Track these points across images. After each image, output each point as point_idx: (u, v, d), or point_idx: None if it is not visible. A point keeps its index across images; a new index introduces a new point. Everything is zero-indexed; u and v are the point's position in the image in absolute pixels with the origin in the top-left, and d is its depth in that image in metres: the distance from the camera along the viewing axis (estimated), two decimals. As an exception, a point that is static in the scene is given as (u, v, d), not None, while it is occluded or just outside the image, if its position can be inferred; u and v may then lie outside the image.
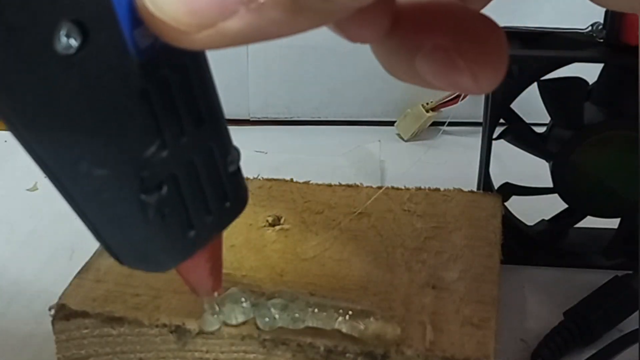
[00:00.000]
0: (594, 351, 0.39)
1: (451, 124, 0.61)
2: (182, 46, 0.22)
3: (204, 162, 0.27)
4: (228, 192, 0.28)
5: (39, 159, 0.25)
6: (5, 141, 0.61)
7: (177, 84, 0.25)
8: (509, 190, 0.46)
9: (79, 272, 0.37)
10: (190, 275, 0.30)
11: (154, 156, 0.24)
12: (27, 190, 0.56)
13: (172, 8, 0.21)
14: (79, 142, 0.23)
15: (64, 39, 0.21)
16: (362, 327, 0.33)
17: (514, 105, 0.45)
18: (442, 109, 0.62)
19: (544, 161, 0.45)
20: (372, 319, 0.33)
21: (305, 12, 0.20)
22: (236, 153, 0.28)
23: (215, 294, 0.31)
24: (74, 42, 0.21)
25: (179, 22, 0.21)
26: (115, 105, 0.23)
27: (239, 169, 0.29)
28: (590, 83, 0.43)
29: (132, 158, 0.24)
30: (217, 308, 0.34)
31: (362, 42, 0.22)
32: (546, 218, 0.47)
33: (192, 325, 0.34)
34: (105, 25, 0.22)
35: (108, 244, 0.27)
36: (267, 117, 0.67)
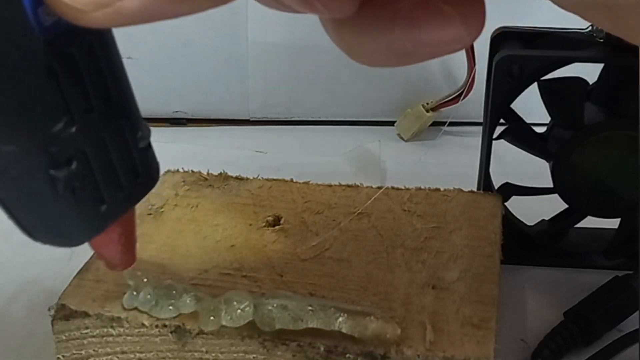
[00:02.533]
0: (594, 351, 0.39)
1: (451, 124, 0.61)
2: (82, 24, 0.22)
3: (113, 138, 0.27)
4: (139, 168, 0.29)
5: None
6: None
7: (83, 61, 0.25)
8: (509, 190, 0.46)
9: (79, 272, 0.37)
10: (103, 249, 0.30)
11: (62, 132, 0.25)
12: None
13: None
14: None
15: None
16: (362, 327, 0.33)
17: (514, 105, 0.45)
18: (442, 109, 0.62)
19: (544, 161, 0.45)
20: (372, 319, 0.33)
21: None
22: (146, 130, 0.29)
23: (130, 268, 0.31)
24: None
25: (76, 1, 0.21)
26: (21, 82, 0.23)
27: (149, 145, 0.29)
28: (591, 83, 0.43)
29: (39, 134, 0.24)
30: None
31: (335, 15, 0.21)
32: (546, 218, 0.47)
33: (191, 325, 0.34)
34: (7, 2, 0.22)
35: (19, 220, 0.27)
36: (267, 117, 0.67)
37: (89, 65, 0.25)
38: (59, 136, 0.25)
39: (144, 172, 0.29)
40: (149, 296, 0.34)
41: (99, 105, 0.26)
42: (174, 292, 0.34)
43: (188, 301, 0.34)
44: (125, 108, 0.28)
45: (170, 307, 0.34)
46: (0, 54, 0.22)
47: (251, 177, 0.46)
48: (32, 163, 0.25)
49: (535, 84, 0.43)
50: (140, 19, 0.21)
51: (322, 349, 0.33)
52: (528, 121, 0.45)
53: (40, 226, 0.27)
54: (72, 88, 0.25)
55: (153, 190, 0.45)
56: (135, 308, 0.34)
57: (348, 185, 0.45)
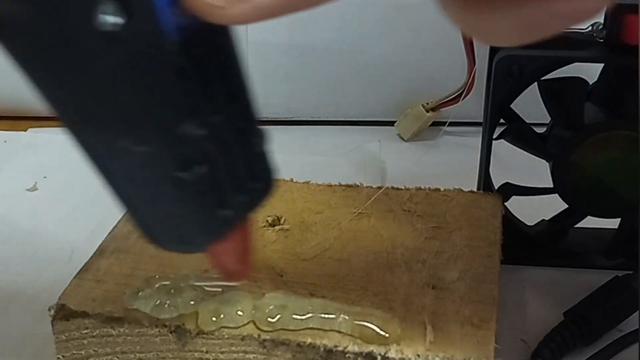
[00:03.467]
0: (594, 351, 0.39)
1: (451, 124, 0.61)
2: (219, 21, 0.22)
3: (236, 141, 0.27)
4: (258, 172, 0.28)
5: (79, 137, 0.25)
6: (5, 141, 0.61)
7: (211, 62, 0.25)
8: (509, 190, 0.46)
9: (79, 272, 0.37)
10: (222, 257, 0.30)
11: (190, 134, 0.25)
12: (27, 190, 0.55)
13: None
14: (120, 119, 0.24)
15: (104, 16, 0.21)
16: (362, 327, 0.33)
17: (514, 105, 0.45)
18: (442, 109, 0.62)
19: (544, 161, 0.45)
20: (372, 319, 0.33)
21: None
22: (264, 133, 0.28)
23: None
24: (114, 20, 0.22)
25: None
26: (154, 83, 0.23)
27: (267, 150, 0.29)
28: (591, 83, 0.43)
29: (169, 135, 0.24)
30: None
31: None
32: (546, 218, 0.47)
33: (191, 325, 0.34)
34: (144, 4, 0.22)
35: (145, 225, 0.27)
36: (266, 117, 0.67)
37: (216, 66, 0.25)
38: (188, 138, 0.25)
39: (262, 176, 0.29)
40: (149, 296, 0.34)
41: (224, 107, 0.26)
42: (174, 292, 0.34)
43: (188, 301, 0.34)
44: (247, 110, 0.27)
45: (171, 307, 0.34)
46: (134, 55, 0.22)
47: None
48: (161, 164, 0.25)
49: (535, 84, 0.43)
50: (276, 12, 0.21)
51: (322, 349, 0.33)
52: (528, 121, 0.45)
53: (164, 231, 0.27)
54: (201, 89, 0.25)
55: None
56: (136, 308, 0.34)
57: (348, 185, 0.45)
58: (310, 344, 0.33)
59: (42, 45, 0.22)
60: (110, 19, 0.22)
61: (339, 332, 0.33)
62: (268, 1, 0.21)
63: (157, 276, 0.35)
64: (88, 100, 0.23)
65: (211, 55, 0.25)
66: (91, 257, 0.38)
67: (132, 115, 0.24)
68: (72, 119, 0.25)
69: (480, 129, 0.46)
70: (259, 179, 0.29)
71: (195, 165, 0.25)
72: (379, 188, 0.45)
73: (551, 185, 0.45)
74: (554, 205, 0.46)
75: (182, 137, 0.25)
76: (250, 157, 0.28)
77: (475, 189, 0.45)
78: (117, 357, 0.35)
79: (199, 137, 0.25)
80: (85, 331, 0.35)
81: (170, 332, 0.34)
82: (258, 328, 0.33)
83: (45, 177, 0.56)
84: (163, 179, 0.25)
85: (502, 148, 0.46)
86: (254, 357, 0.34)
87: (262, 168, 0.29)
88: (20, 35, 0.22)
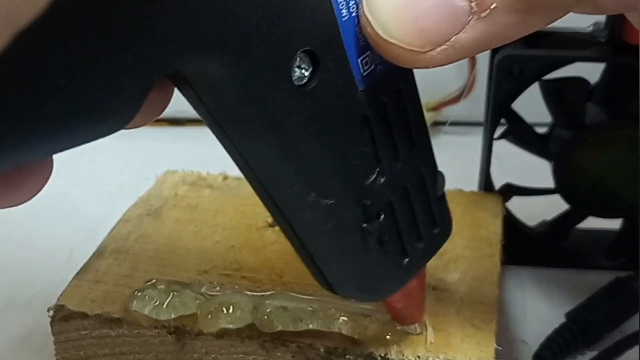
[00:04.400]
0: (595, 352, 0.38)
1: (451, 124, 0.61)
2: (416, 66, 0.21)
3: (416, 188, 0.27)
4: (436, 218, 0.28)
5: (266, 192, 0.24)
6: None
7: (393, 109, 0.25)
8: (510, 190, 0.46)
9: (78, 273, 0.37)
10: (397, 303, 0.30)
11: (374, 184, 0.24)
12: (27, 190, 0.55)
13: (403, 31, 0.20)
14: (309, 172, 0.23)
15: (298, 70, 0.21)
16: (362, 328, 0.33)
17: (515, 105, 0.44)
18: (442, 109, 0.62)
19: (545, 161, 0.45)
20: (372, 319, 0.33)
21: (538, 10, 0.19)
22: (441, 178, 0.28)
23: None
24: (305, 72, 0.21)
25: (411, 43, 0.20)
26: (341, 134, 0.23)
27: (444, 194, 0.28)
28: (592, 83, 0.43)
29: (355, 186, 0.24)
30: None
31: None
32: (547, 219, 0.47)
33: (191, 326, 0.34)
34: (334, 55, 0.22)
35: (324, 274, 0.26)
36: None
37: (397, 112, 0.25)
38: (372, 188, 0.24)
39: (440, 222, 0.28)
40: (148, 297, 0.34)
41: (404, 153, 0.26)
42: (173, 293, 0.34)
43: (187, 302, 0.34)
44: (425, 154, 0.27)
45: (170, 308, 0.34)
46: (324, 106, 0.22)
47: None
48: (347, 216, 0.24)
49: (536, 83, 0.43)
50: (478, 50, 0.21)
51: (322, 350, 0.32)
52: (529, 121, 0.45)
53: (347, 280, 0.27)
54: (383, 137, 0.24)
55: (152, 190, 0.46)
56: (135, 309, 0.34)
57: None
58: (310, 345, 0.33)
59: (235, 104, 0.21)
60: (303, 72, 0.21)
61: (339, 332, 0.33)
62: (469, 40, 0.20)
63: (154, 280, 0.35)
64: (278, 156, 0.23)
65: (394, 101, 0.25)
66: (90, 258, 0.38)
67: (320, 168, 0.23)
68: (261, 176, 0.24)
69: (481, 129, 0.46)
70: (436, 225, 0.28)
71: (378, 216, 0.25)
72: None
73: (552, 186, 0.45)
74: (555, 205, 0.46)
75: (366, 188, 0.24)
76: (428, 203, 0.28)
77: (475, 189, 0.45)
78: (116, 358, 0.35)
79: (380, 187, 0.25)
80: (84, 332, 0.35)
81: (170, 333, 0.34)
82: (258, 329, 0.33)
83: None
84: (348, 231, 0.25)
85: (503, 148, 0.46)
86: (253, 358, 0.34)
87: (440, 213, 0.28)
88: (217, 94, 0.21)
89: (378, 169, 0.25)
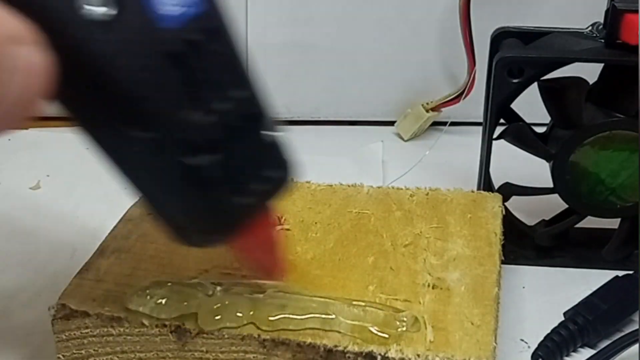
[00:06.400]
0: (594, 351, 0.39)
1: (451, 124, 0.61)
2: None
3: (246, 128, 0.27)
4: (274, 161, 0.29)
5: (89, 130, 0.26)
6: (9, 139, 0.61)
7: (213, 49, 0.26)
8: (509, 190, 0.46)
9: (79, 272, 0.37)
10: (249, 253, 0.30)
11: (193, 120, 0.25)
12: (30, 188, 0.55)
13: None
14: (126, 106, 0.24)
15: (96, 6, 0.22)
16: (362, 327, 0.33)
17: (514, 105, 0.45)
18: (442, 109, 0.62)
19: (544, 161, 0.45)
20: (372, 318, 0.33)
21: None
22: (274, 123, 0.29)
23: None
24: (108, 10, 0.22)
25: None
26: (153, 69, 0.24)
27: (281, 139, 0.29)
28: (591, 83, 0.43)
29: (174, 121, 0.25)
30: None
31: None
32: (546, 218, 0.47)
33: (191, 325, 0.34)
34: None
35: (165, 219, 0.28)
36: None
37: (218, 53, 0.26)
38: (191, 124, 0.25)
39: (279, 165, 0.29)
40: (149, 296, 0.34)
41: (232, 94, 0.26)
42: (174, 292, 0.34)
43: (188, 301, 0.34)
44: (256, 97, 0.28)
45: (171, 307, 0.34)
46: (131, 42, 0.23)
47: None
48: (167, 150, 0.25)
49: (536, 83, 0.43)
50: None
51: (322, 349, 0.33)
52: (528, 121, 0.45)
53: (183, 223, 0.28)
54: (202, 76, 0.25)
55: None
56: (136, 308, 0.34)
57: (348, 185, 0.45)
58: (310, 343, 0.33)
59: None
60: (105, 9, 0.22)
61: (339, 332, 0.33)
62: None
63: (155, 279, 0.35)
64: (93, 90, 0.24)
65: (213, 41, 0.26)
66: (91, 257, 0.39)
67: (135, 102, 0.24)
68: (79, 111, 0.25)
69: (480, 129, 0.46)
70: (275, 168, 0.29)
71: (202, 152, 0.25)
72: (379, 188, 0.45)
73: (551, 186, 0.45)
74: (554, 205, 0.46)
75: (185, 123, 0.25)
76: (263, 145, 0.28)
77: (475, 189, 0.45)
78: (117, 357, 0.35)
79: (203, 123, 0.25)
80: (86, 331, 0.35)
81: (171, 332, 0.34)
82: (258, 328, 0.33)
83: (48, 176, 0.56)
84: (170, 166, 0.26)
85: (502, 148, 0.46)
86: (254, 356, 0.34)
87: (278, 157, 0.29)
88: None
89: (198, 107, 0.25)
